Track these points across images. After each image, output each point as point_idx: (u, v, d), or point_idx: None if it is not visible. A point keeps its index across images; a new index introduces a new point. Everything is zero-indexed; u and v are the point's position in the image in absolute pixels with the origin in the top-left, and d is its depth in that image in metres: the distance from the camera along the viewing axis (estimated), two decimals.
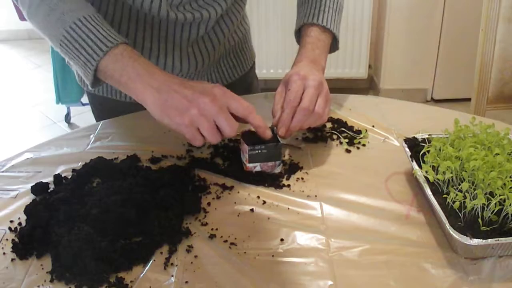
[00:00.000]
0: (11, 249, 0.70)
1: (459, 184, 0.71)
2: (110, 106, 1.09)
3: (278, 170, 0.84)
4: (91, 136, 0.97)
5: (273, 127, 0.86)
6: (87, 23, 0.80)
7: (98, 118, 1.16)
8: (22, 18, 2.92)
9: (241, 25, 1.13)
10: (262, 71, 2.83)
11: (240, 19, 1.10)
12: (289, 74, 0.90)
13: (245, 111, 0.79)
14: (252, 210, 0.77)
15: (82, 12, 0.81)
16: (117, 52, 0.79)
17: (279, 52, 2.81)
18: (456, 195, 0.69)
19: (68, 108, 3.02)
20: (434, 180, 0.73)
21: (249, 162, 0.83)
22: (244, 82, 1.20)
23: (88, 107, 3.27)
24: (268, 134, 0.82)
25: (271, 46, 2.80)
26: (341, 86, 2.95)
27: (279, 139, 0.84)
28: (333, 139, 0.94)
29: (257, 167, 0.83)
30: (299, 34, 1.02)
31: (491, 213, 0.67)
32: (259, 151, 0.82)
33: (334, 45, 1.02)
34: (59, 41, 0.81)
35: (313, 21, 0.98)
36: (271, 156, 0.83)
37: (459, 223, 0.67)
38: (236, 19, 1.07)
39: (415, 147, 0.82)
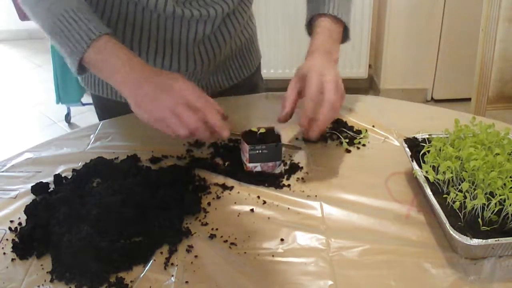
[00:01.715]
0: (11, 249, 0.70)
1: (459, 184, 0.71)
2: (113, 107, 1.08)
3: (278, 170, 0.84)
4: (91, 136, 0.97)
5: (274, 128, 0.85)
6: (74, 14, 0.82)
7: (101, 119, 1.17)
8: (22, 18, 2.91)
9: (248, 26, 1.13)
10: (263, 71, 2.82)
11: (246, 19, 1.09)
12: (304, 69, 0.88)
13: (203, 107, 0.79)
14: (252, 210, 0.77)
15: (69, 3, 0.83)
16: (100, 45, 0.81)
17: (281, 53, 2.81)
18: (456, 195, 0.68)
19: (68, 108, 3.02)
20: (434, 180, 0.73)
21: (250, 162, 0.83)
22: (250, 83, 1.20)
23: (88, 107, 3.27)
24: (225, 134, 0.80)
25: (273, 46, 2.79)
26: None
27: (281, 139, 0.84)
28: (333, 139, 0.94)
29: (257, 167, 0.83)
30: (310, 26, 1.00)
31: (491, 213, 0.67)
32: (260, 151, 0.82)
33: (345, 35, 1.02)
34: (49, 31, 0.84)
35: (324, 11, 0.97)
36: (272, 156, 0.83)
37: (459, 223, 0.67)
38: (243, 19, 1.06)
39: (415, 147, 0.82)
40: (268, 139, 0.84)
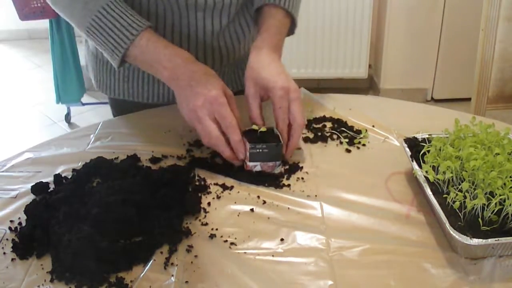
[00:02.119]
0: (11, 249, 0.70)
1: (459, 184, 0.71)
2: (130, 107, 1.08)
3: (278, 170, 0.84)
4: (91, 136, 0.97)
5: (274, 127, 0.86)
6: (111, 11, 0.84)
7: None
8: (22, 18, 2.91)
9: None
10: None
11: None
12: (260, 74, 0.87)
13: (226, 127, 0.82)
14: (252, 210, 0.77)
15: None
16: (143, 44, 0.85)
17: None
18: (456, 195, 0.69)
19: (68, 108, 3.02)
20: (434, 180, 0.73)
21: (250, 161, 0.83)
22: None
23: (88, 107, 3.27)
24: (236, 163, 0.84)
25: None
26: (341, 86, 2.96)
27: (281, 139, 0.84)
28: (333, 139, 0.94)
29: (257, 166, 0.83)
30: (258, 12, 0.99)
31: (491, 213, 0.67)
32: (260, 150, 0.82)
33: (290, 29, 1.01)
34: (86, 30, 0.86)
35: (280, 4, 0.96)
36: (272, 156, 0.83)
37: (459, 223, 0.67)
38: None
39: (415, 147, 0.82)
40: (268, 138, 0.84)
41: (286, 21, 0.97)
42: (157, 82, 1.04)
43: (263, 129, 0.85)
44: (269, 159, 0.83)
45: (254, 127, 0.85)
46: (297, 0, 1.00)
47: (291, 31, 1.01)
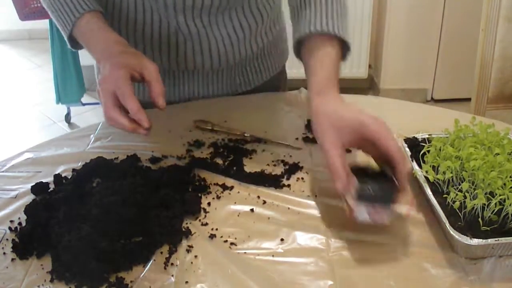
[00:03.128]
0: (11, 249, 0.70)
1: (459, 184, 0.71)
2: None
3: (388, 220, 0.67)
4: (91, 136, 0.97)
5: (383, 165, 0.70)
6: None
7: None
8: (22, 18, 2.92)
9: (269, 29, 1.08)
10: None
11: (266, 22, 1.05)
12: (350, 120, 0.72)
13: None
14: (252, 210, 0.77)
15: None
16: (82, 25, 0.88)
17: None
18: (456, 195, 0.68)
19: (68, 108, 3.02)
20: (434, 180, 0.73)
21: (357, 203, 0.67)
22: (271, 86, 1.16)
23: (88, 107, 3.27)
24: (143, 133, 0.77)
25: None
26: (341, 86, 2.94)
27: (395, 181, 0.67)
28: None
29: (364, 213, 0.66)
30: (302, 43, 0.87)
31: (491, 213, 0.67)
32: (371, 191, 0.66)
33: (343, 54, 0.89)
34: (47, 7, 0.91)
35: (329, 30, 0.83)
36: (383, 198, 0.67)
37: (459, 223, 0.67)
38: (256, 21, 1.03)
39: (415, 147, 0.82)
40: (379, 177, 0.69)
41: (338, 48, 0.84)
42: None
43: (375, 168, 0.69)
44: (379, 201, 0.67)
45: (363, 164, 0.70)
46: (344, 19, 0.87)
47: (343, 57, 0.88)
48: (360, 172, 0.69)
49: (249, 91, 1.14)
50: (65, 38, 0.92)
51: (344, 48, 0.86)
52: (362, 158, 0.80)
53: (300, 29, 0.87)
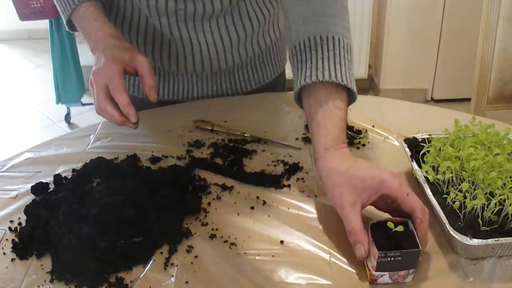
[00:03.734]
0: (11, 249, 0.70)
1: (459, 184, 0.71)
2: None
3: (409, 279, 0.64)
4: (91, 136, 0.97)
5: (408, 222, 0.66)
6: None
7: None
8: (22, 18, 2.91)
9: (267, 34, 1.08)
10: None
11: (264, 26, 1.06)
12: (366, 178, 0.67)
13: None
14: (252, 210, 0.77)
15: None
16: (80, 13, 0.91)
17: None
18: (456, 195, 0.68)
19: (68, 108, 3.02)
20: (434, 180, 0.73)
21: (377, 271, 0.63)
22: (269, 89, 1.16)
23: (88, 107, 3.26)
24: (131, 127, 0.81)
25: None
26: None
27: (418, 240, 0.63)
28: None
29: (385, 276, 0.63)
30: (306, 91, 0.79)
31: (491, 213, 0.67)
32: (393, 259, 0.62)
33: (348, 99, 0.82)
34: None
35: (332, 79, 0.77)
36: (407, 264, 0.63)
37: (459, 223, 0.67)
38: (252, 26, 1.03)
39: (415, 147, 0.82)
40: (402, 238, 0.63)
41: (346, 99, 0.79)
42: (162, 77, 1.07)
43: (399, 228, 0.63)
44: (402, 268, 0.63)
45: (390, 224, 0.63)
46: (351, 67, 0.83)
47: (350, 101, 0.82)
48: (380, 229, 0.64)
49: (248, 93, 1.14)
50: (64, 22, 0.95)
51: (350, 97, 0.81)
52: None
53: (306, 75, 0.78)
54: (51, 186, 0.82)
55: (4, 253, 0.70)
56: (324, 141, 0.74)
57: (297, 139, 0.95)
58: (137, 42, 1.02)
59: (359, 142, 0.93)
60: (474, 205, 0.67)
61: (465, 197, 0.68)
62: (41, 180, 0.82)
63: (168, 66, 1.04)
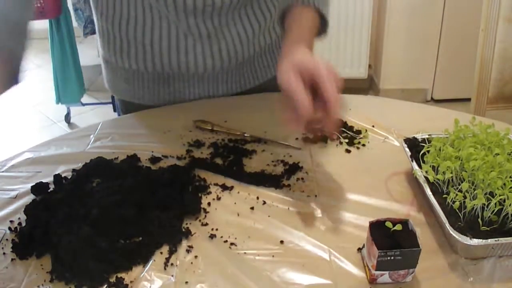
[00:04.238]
0: (11, 249, 0.70)
1: (459, 184, 0.71)
2: (134, 109, 1.09)
3: (409, 278, 0.65)
4: (91, 136, 0.97)
5: (408, 221, 0.66)
6: None
7: None
8: None
9: (274, 28, 1.09)
10: None
11: (272, 19, 1.06)
12: (308, 64, 0.75)
13: None
14: (252, 210, 0.77)
15: None
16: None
17: None
18: (456, 195, 0.68)
19: (68, 108, 3.02)
20: (434, 180, 0.73)
21: (377, 270, 0.63)
22: (275, 84, 1.17)
23: (88, 107, 3.26)
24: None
25: None
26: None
27: (418, 240, 0.63)
28: (333, 139, 0.94)
29: (385, 275, 0.64)
30: (285, 15, 0.92)
31: (491, 213, 0.67)
32: (392, 258, 0.62)
33: (322, 30, 0.94)
34: None
35: (309, 3, 0.89)
36: (406, 263, 0.63)
37: (459, 223, 0.67)
38: (265, 18, 1.04)
39: (415, 147, 0.82)
40: (402, 237, 0.64)
41: (317, 21, 0.91)
42: (161, 85, 1.06)
43: (397, 227, 0.64)
44: (402, 267, 0.63)
45: (388, 224, 0.64)
46: (328, 4, 0.94)
47: (323, 30, 0.94)
48: (379, 228, 0.65)
49: (254, 89, 1.13)
50: None
51: (323, 25, 0.93)
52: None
53: (286, 1, 0.92)
54: (51, 186, 0.82)
55: (4, 253, 0.70)
56: (288, 39, 0.85)
57: (297, 139, 0.95)
58: (152, 49, 0.99)
59: (359, 142, 0.93)
60: (474, 205, 0.67)
61: (465, 197, 0.68)
62: (41, 180, 0.82)
63: (186, 69, 1.02)
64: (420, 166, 0.77)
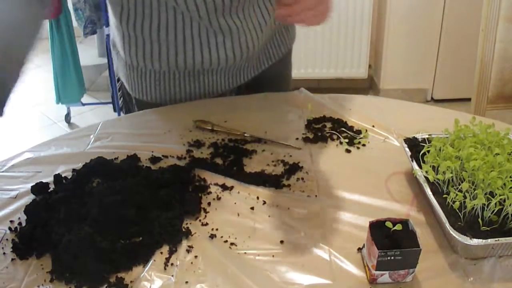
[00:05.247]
0: (11, 249, 0.70)
1: (459, 184, 0.71)
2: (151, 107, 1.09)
3: (409, 278, 0.65)
4: (91, 136, 0.97)
5: (408, 221, 0.66)
6: None
7: None
8: None
9: None
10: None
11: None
12: None
13: None
14: (252, 210, 0.77)
15: None
16: None
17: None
18: (456, 195, 0.69)
19: (68, 108, 3.02)
20: (434, 180, 0.73)
21: (377, 269, 0.63)
22: (279, 74, 1.20)
23: (88, 107, 3.26)
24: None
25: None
26: (341, 86, 2.95)
27: (418, 240, 0.63)
28: (333, 139, 0.94)
29: (385, 275, 0.64)
30: None
31: (491, 213, 0.67)
32: (392, 258, 0.62)
33: None
34: None
35: None
36: (406, 263, 0.63)
37: (459, 223, 0.67)
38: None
39: (415, 147, 0.82)
40: (402, 237, 0.64)
41: None
42: (191, 81, 1.06)
43: (397, 227, 0.64)
44: (402, 267, 0.63)
45: (388, 224, 0.64)
46: None
47: None
48: (380, 228, 0.65)
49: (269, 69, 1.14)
50: None
51: None
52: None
53: None
54: (51, 186, 0.82)
55: (4, 253, 0.70)
56: None
57: (297, 139, 0.95)
58: (167, 47, 0.99)
59: (359, 142, 0.93)
60: (474, 205, 0.67)
61: (465, 197, 0.68)
62: (41, 180, 0.82)
63: (218, 63, 1.03)
64: (420, 166, 0.77)
